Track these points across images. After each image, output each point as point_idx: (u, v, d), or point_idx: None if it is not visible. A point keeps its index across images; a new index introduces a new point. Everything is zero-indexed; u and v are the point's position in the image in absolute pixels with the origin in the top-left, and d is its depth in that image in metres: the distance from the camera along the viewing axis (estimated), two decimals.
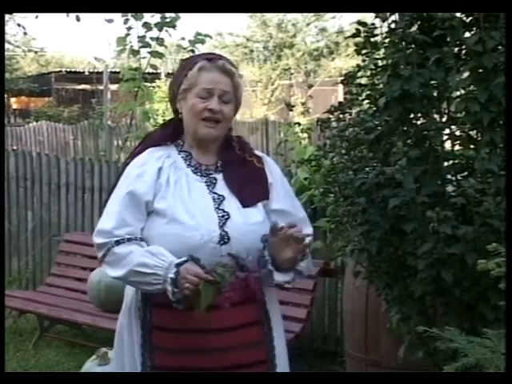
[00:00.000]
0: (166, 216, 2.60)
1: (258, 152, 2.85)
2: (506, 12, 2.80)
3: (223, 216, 2.63)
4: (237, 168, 2.75)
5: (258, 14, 31.27)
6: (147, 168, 2.68)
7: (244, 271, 2.59)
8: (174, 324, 2.62)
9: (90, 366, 4.46)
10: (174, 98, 2.75)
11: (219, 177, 2.73)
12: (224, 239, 2.61)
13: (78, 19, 7.30)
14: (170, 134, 2.78)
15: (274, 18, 31.56)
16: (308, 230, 2.76)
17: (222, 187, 2.70)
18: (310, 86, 20.81)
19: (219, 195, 2.68)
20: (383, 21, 3.38)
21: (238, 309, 2.58)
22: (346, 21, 32.20)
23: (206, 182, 2.71)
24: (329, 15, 31.58)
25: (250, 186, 2.71)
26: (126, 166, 2.78)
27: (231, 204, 2.67)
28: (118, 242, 2.60)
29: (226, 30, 32.91)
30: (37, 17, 6.85)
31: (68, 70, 26.96)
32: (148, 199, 2.63)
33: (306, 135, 8.12)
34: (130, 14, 7.25)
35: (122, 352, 2.78)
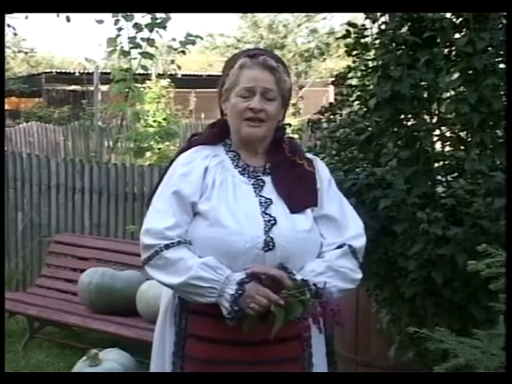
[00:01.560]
0: (209, 218, 2.47)
1: (309, 155, 2.71)
2: (506, 12, 2.80)
3: (269, 221, 2.49)
4: (286, 171, 2.60)
5: (249, 15, 31.29)
6: (193, 167, 2.55)
7: (323, 301, 2.43)
8: (210, 334, 2.51)
9: (81, 367, 4.45)
10: (220, 98, 2.63)
11: (267, 179, 2.59)
12: (269, 245, 2.46)
13: (68, 20, 7.28)
14: (218, 133, 2.65)
15: (264, 18, 31.59)
16: (347, 233, 2.60)
17: (269, 190, 2.56)
18: (301, 87, 20.87)
19: (266, 199, 2.54)
20: (373, 22, 3.38)
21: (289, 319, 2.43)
22: (337, 22, 32.29)
23: (253, 184, 2.57)
24: (320, 16, 31.61)
25: (298, 191, 2.57)
26: (171, 162, 2.64)
27: (278, 209, 2.53)
28: (167, 246, 2.45)
29: (216, 31, 33.00)
30: (27, 17, 6.82)
31: (58, 70, 26.85)
32: (194, 200, 2.50)
33: (296, 136, 8.15)
34: (120, 15, 7.24)
35: (153, 358, 2.69)
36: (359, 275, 2.62)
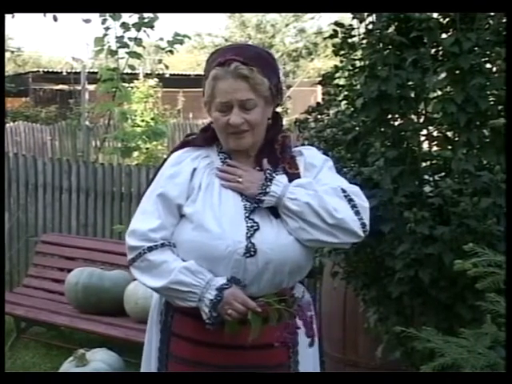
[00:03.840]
0: (193, 222, 2.44)
1: (295, 150, 2.62)
2: (506, 12, 2.81)
3: (252, 226, 2.44)
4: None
5: (237, 15, 31.34)
6: (181, 169, 2.52)
7: (299, 310, 2.43)
8: (194, 334, 2.50)
9: (68, 367, 4.43)
10: (205, 106, 2.56)
11: None
12: (250, 251, 2.41)
13: (55, 19, 7.24)
14: (210, 137, 2.58)
15: (252, 18, 31.66)
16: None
17: None
18: (289, 87, 20.87)
19: (252, 203, 2.48)
20: (360, 22, 3.39)
21: (265, 327, 2.38)
22: (325, 21, 32.38)
23: None
24: (307, 16, 31.69)
25: None
26: (164, 161, 2.61)
27: (263, 214, 2.47)
28: (150, 248, 2.43)
29: (204, 31, 32.99)
30: (13, 16, 6.78)
31: (45, 70, 26.77)
32: (180, 203, 2.47)
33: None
34: (107, 14, 7.22)
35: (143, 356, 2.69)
36: (345, 217, 2.46)
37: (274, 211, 2.49)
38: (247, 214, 2.47)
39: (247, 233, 2.43)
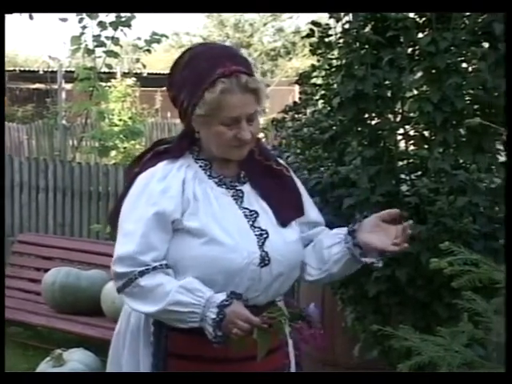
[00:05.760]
0: (203, 236, 2.30)
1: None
2: (506, 12, 2.82)
3: (261, 234, 2.36)
4: (266, 179, 2.46)
5: (215, 14, 31.28)
6: (170, 182, 2.35)
7: (307, 323, 2.38)
8: (195, 351, 2.37)
9: (45, 367, 4.41)
10: (185, 113, 2.37)
11: (245, 189, 2.43)
12: (264, 261, 2.34)
13: (31, 18, 7.20)
14: (187, 146, 2.44)
15: (230, 18, 31.62)
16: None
17: (250, 201, 2.41)
18: (267, 86, 20.88)
19: (251, 211, 2.39)
20: (337, 21, 3.39)
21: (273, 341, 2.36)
22: (303, 21, 32.40)
23: (232, 195, 2.40)
24: (286, 15, 31.70)
25: (286, 201, 2.45)
26: (135, 175, 2.42)
27: (266, 221, 2.39)
28: (142, 273, 2.27)
29: (182, 30, 32.88)
30: None
31: (22, 69, 26.56)
32: (175, 217, 2.31)
33: (262, 135, 8.15)
34: (84, 13, 7.19)
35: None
36: None
37: (279, 217, 2.44)
38: (251, 222, 2.39)
39: (258, 241, 2.36)
